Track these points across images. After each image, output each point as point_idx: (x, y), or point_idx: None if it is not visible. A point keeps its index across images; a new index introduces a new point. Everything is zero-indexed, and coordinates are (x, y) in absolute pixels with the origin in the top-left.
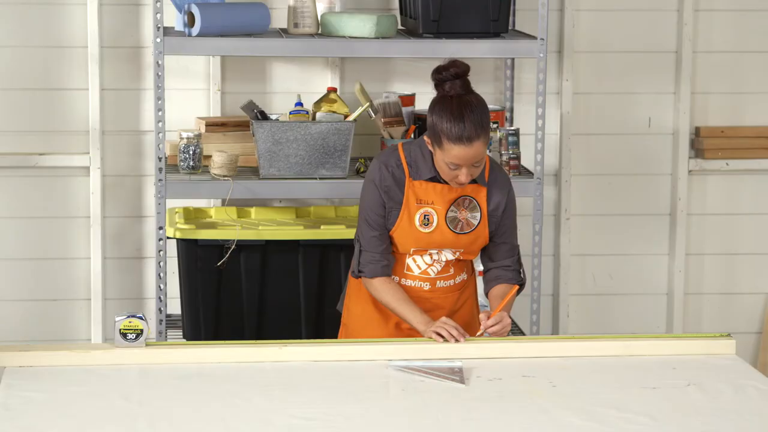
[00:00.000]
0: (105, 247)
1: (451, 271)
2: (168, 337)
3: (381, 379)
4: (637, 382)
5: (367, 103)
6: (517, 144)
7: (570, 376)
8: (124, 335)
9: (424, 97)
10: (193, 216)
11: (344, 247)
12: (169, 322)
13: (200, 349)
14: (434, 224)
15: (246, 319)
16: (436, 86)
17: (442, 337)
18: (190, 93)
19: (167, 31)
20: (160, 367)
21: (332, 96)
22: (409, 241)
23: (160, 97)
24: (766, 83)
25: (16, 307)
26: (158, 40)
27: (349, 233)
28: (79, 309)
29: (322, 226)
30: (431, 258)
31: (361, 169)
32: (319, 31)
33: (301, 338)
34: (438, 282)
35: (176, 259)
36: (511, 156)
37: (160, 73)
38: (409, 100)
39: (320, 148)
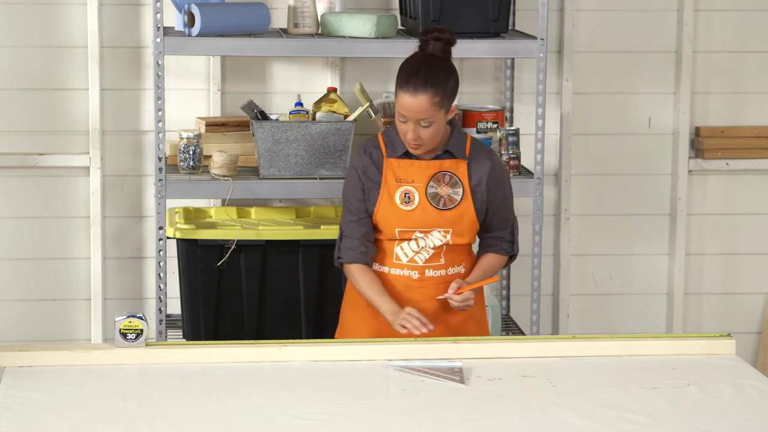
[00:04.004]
0: (105, 247)
1: (442, 260)
2: (168, 337)
3: (381, 379)
4: (637, 382)
5: (367, 103)
6: (517, 144)
7: (570, 376)
8: (124, 335)
9: None
10: (193, 216)
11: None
12: (169, 322)
13: (200, 349)
14: (416, 202)
15: (246, 319)
16: (420, 46)
17: (406, 328)
18: (190, 93)
19: (167, 31)
20: (160, 367)
21: (332, 96)
22: (393, 221)
23: (160, 97)
24: (766, 83)
25: (16, 307)
26: (158, 40)
27: None
28: (79, 309)
29: (322, 226)
30: (418, 245)
31: None
32: (319, 31)
33: (301, 338)
34: (427, 271)
35: (176, 259)
36: (511, 156)
37: (160, 73)
38: None
39: (320, 148)
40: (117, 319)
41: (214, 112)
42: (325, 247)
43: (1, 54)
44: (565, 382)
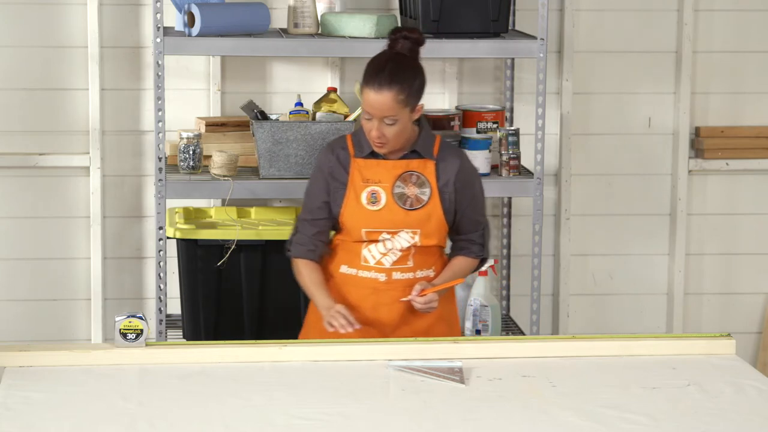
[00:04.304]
0: (105, 247)
1: (410, 263)
2: (168, 337)
3: (381, 379)
4: (637, 382)
5: None
6: (517, 144)
7: (570, 376)
8: (124, 335)
9: (424, 97)
10: (193, 216)
11: None
12: (169, 322)
13: (200, 349)
14: (382, 202)
15: (246, 319)
16: (389, 45)
17: (333, 326)
18: (190, 93)
19: (167, 31)
20: (160, 367)
21: (332, 96)
22: (359, 221)
23: (160, 97)
24: (766, 83)
25: (16, 307)
26: (158, 40)
27: None
28: (79, 309)
29: None
30: (385, 247)
31: None
32: (319, 31)
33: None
34: (394, 273)
35: (176, 259)
36: (511, 156)
37: (160, 73)
38: None
39: (320, 148)
40: (117, 319)
41: (214, 112)
42: None
43: (1, 54)
44: (565, 382)
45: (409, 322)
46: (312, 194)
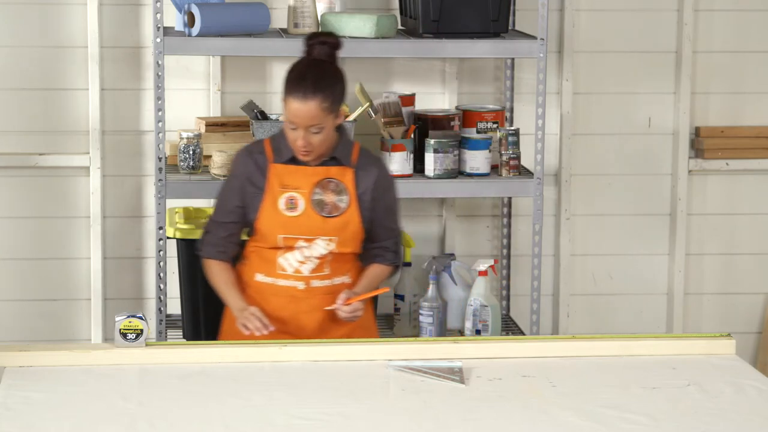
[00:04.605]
0: (105, 247)
1: (326, 270)
2: (168, 337)
3: (381, 379)
4: (637, 382)
5: (367, 103)
6: (517, 144)
7: (570, 376)
8: (124, 335)
9: (424, 97)
10: (193, 216)
11: None
12: (169, 322)
13: (200, 349)
14: (300, 208)
15: None
16: (306, 51)
17: (248, 329)
18: (190, 93)
19: (167, 31)
20: (160, 367)
21: None
22: (276, 227)
23: (160, 97)
24: (766, 83)
25: (16, 307)
26: (158, 40)
27: None
28: (79, 309)
29: None
30: (302, 254)
31: None
32: (319, 31)
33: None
34: (313, 281)
35: (176, 259)
36: (511, 156)
37: (160, 73)
38: (409, 100)
39: None
40: (117, 319)
41: (214, 112)
42: None
43: (1, 54)
44: (565, 382)
45: (328, 330)
46: (225, 197)
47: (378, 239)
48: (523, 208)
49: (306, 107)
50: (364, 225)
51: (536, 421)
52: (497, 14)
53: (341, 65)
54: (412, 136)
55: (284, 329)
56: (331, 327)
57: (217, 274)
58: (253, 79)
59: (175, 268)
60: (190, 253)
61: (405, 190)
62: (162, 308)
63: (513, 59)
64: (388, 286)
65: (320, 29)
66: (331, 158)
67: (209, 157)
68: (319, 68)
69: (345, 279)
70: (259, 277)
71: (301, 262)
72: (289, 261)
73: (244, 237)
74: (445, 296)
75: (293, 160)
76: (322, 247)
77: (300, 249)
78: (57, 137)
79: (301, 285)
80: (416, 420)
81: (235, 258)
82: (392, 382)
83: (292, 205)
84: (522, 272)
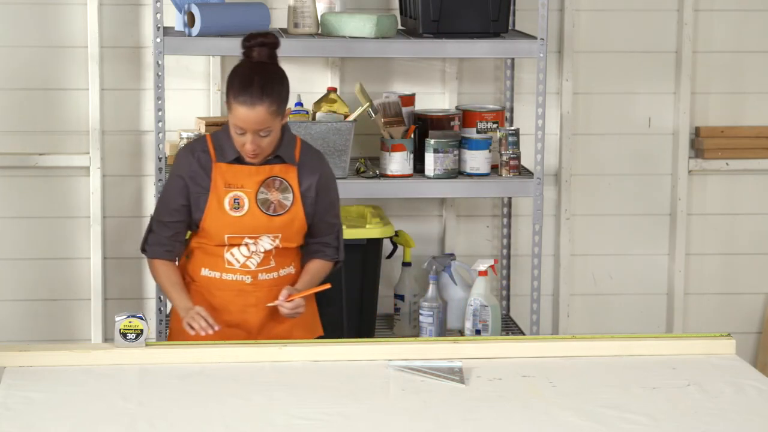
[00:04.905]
0: (105, 247)
1: (272, 263)
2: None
3: (381, 379)
4: (637, 382)
5: (367, 103)
6: (517, 144)
7: (570, 376)
8: (124, 335)
9: (424, 97)
10: None
11: (344, 247)
12: (169, 322)
13: (200, 349)
14: (245, 208)
15: None
16: (244, 53)
17: (194, 329)
18: (190, 93)
19: (167, 31)
20: (160, 367)
21: (332, 96)
22: (222, 227)
23: (160, 97)
24: (766, 83)
25: (16, 307)
26: (158, 40)
27: (349, 233)
28: (79, 309)
29: None
30: (248, 249)
31: (361, 169)
32: (319, 31)
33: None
34: (260, 275)
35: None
36: (511, 156)
37: (160, 73)
38: (409, 100)
39: (320, 148)
40: (117, 319)
41: (214, 112)
42: None
43: (1, 54)
44: (565, 382)
45: (271, 325)
46: (169, 196)
47: (319, 234)
48: (523, 208)
49: (255, 113)
50: (308, 220)
51: (536, 421)
52: (497, 14)
53: (280, 65)
54: (412, 136)
55: (229, 323)
56: (270, 324)
57: (163, 274)
58: None
59: None
60: None
61: (405, 190)
62: (162, 308)
63: (513, 59)
64: (329, 283)
65: (320, 29)
66: (275, 156)
67: None
68: (263, 72)
69: (290, 270)
70: (205, 272)
71: (248, 257)
72: (235, 256)
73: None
74: (445, 296)
75: (238, 160)
76: (267, 242)
77: (246, 245)
78: (57, 137)
79: (248, 279)
80: (416, 420)
81: (179, 255)
82: (392, 382)
83: (237, 204)
84: (522, 272)
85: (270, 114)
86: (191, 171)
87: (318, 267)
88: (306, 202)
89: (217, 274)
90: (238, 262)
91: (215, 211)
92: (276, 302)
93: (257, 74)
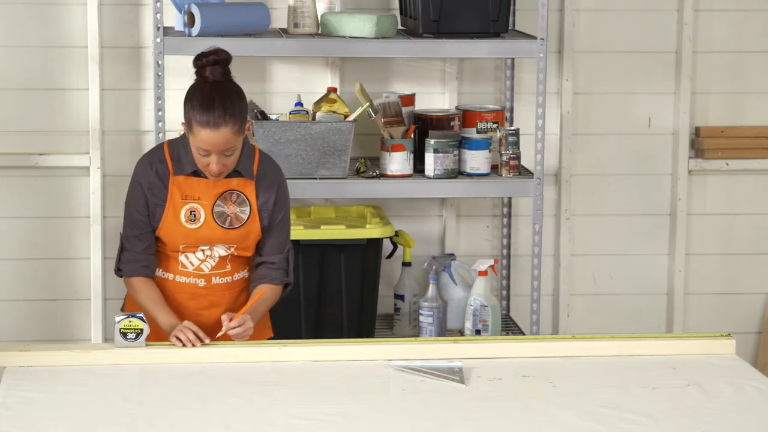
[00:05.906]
0: (105, 247)
1: (228, 267)
2: None
3: (381, 379)
4: (637, 382)
5: (367, 103)
6: (517, 144)
7: (570, 376)
8: (124, 335)
9: (424, 97)
10: None
11: (344, 247)
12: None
13: (200, 349)
14: (201, 220)
15: None
16: (197, 72)
17: (182, 341)
18: None
19: (167, 31)
20: (160, 367)
21: (332, 96)
22: (177, 238)
23: (160, 97)
24: (766, 83)
25: (16, 307)
26: (158, 40)
27: (349, 233)
28: (79, 309)
29: (322, 226)
30: (204, 254)
31: (361, 169)
32: (319, 31)
33: (301, 338)
34: (213, 278)
35: None
36: (511, 156)
37: (160, 73)
38: (409, 100)
39: (320, 148)
40: (117, 319)
41: None
42: (326, 247)
43: (1, 54)
44: (565, 382)
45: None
46: (134, 208)
47: (267, 252)
48: (523, 208)
49: (219, 135)
50: (263, 234)
51: (536, 421)
52: (497, 14)
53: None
54: (412, 136)
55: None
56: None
57: (143, 292)
58: (253, 79)
59: None
60: None
61: (405, 190)
62: None
63: (513, 59)
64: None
65: (320, 29)
66: (234, 170)
67: None
68: (222, 92)
69: (244, 274)
70: (159, 273)
71: (203, 261)
72: (190, 259)
73: None
74: (445, 296)
75: (195, 173)
76: (223, 249)
77: (202, 250)
78: (57, 137)
79: (202, 282)
80: (416, 420)
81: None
82: (392, 382)
83: (193, 216)
84: (522, 272)
85: (233, 133)
86: (149, 182)
87: (266, 294)
88: (262, 216)
89: (170, 276)
90: (193, 265)
91: (171, 222)
92: (222, 330)
93: (217, 94)
